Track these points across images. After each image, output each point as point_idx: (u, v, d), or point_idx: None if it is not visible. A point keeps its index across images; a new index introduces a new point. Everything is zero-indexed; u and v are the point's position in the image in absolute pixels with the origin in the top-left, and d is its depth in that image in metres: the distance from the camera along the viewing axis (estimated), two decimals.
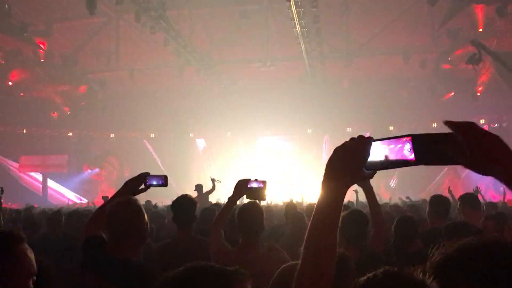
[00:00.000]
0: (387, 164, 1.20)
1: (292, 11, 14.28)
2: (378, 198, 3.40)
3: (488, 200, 8.81)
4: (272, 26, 19.91)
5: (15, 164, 26.80)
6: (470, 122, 1.07)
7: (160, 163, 29.27)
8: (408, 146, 1.18)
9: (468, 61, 9.18)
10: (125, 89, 24.23)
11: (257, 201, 2.86)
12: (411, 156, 1.17)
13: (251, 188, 2.80)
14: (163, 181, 2.57)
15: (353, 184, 1.21)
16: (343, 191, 1.17)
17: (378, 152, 1.20)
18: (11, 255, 1.46)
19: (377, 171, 1.24)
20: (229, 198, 2.92)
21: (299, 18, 14.75)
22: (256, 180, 2.81)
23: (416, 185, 24.35)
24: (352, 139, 1.21)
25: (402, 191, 23.51)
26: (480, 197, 8.36)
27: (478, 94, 19.37)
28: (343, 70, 20.77)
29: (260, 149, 30.72)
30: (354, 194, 10.07)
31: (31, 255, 1.51)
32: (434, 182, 24.93)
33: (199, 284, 1.06)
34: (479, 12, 16.40)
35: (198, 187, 9.78)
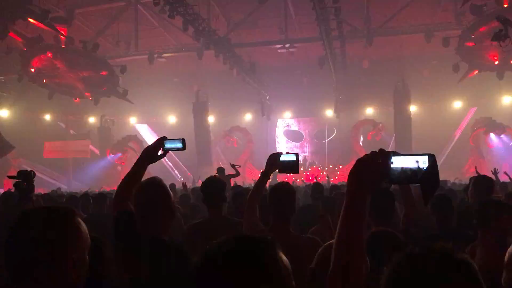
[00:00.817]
0: (403, 179, 1.32)
1: None
2: None
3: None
4: (291, 7, 19.70)
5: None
6: None
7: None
8: (424, 163, 1.30)
9: (494, 38, 8.92)
10: (145, 74, 24.37)
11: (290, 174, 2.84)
12: (421, 176, 1.30)
13: (283, 161, 2.76)
14: (182, 144, 2.54)
15: (375, 190, 1.32)
16: (366, 198, 1.28)
17: (397, 164, 1.32)
18: (71, 226, 1.49)
19: None
20: (262, 173, 2.90)
21: None
22: (288, 153, 2.79)
23: (439, 165, 24.06)
24: (373, 152, 1.32)
25: None
26: (494, 178, 8.29)
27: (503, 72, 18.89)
28: (363, 50, 20.49)
29: (280, 131, 30.74)
30: None
31: (86, 228, 1.55)
32: (457, 162, 24.64)
33: (240, 251, 1.08)
34: None
35: (220, 170, 9.82)
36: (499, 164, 19.56)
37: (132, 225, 2.31)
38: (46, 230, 1.44)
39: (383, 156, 1.30)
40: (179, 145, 2.54)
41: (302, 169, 27.06)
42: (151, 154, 2.51)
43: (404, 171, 1.31)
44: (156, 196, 2.33)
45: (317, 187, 5.92)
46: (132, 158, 27.82)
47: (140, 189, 2.37)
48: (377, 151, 1.33)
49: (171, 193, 2.42)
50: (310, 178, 19.29)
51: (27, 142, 24.97)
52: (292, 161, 2.70)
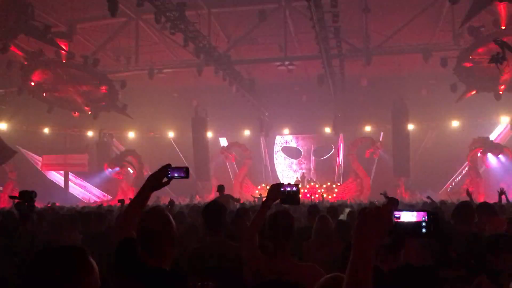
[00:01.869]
0: (404, 233, 1.40)
1: (311, 11, 14.24)
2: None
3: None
4: (291, 25, 19.90)
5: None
6: None
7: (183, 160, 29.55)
8: (423, 219, 1.38)
9: (491, 60, 9.03)
10: (145, 89, 24.49)
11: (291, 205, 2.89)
12: (424, 230, 1.38)
13: (285, 191, 2.80)
14: (185, 173, 2.57)
15: (379, 245, 1.36)
16: (372, 252, 1.32)
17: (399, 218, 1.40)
18: (85, 269, 1.52)
19: None
20: (263, 203, 2.93)
21: (318, 18, 14.70)
22: (289, 184, 2.82)
23: (436, 184, 24.13)
24: (377, 207, 1.37)
25: (422, 189, 23.34)
26: (503, 198, 8.29)
27: (501, 92, 19.03)
28: (362, 69, 20.66)
29: (279, 147, 30.80)
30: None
31: (97, 269, 1.57)
32: (455, 181, 24.69)
33: None
34: (502, 9, 16.12)
35: (220, 188, 9.81)
36: (497, 185, 19.62)
37: (134, 253, 2.32)
38: (62, 273, 1.47)
39: (387, 211, 1.34)
40: (182, 174, 2.57)
41: (300, 185, 27.02)
42: (155, 182, 2.53)
43: (406, 225, 1.38)
44: (158, 225, 2.36)
45: (313, 209, 6.01)
46: (130, 173, 27.83)
47: (142, 218, 2.40)
48: (380, 206, 1.37)
49: (173, 222, 2.44)
50: (308, 195, 19.25)
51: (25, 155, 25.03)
52: (293, 192, 2.74)
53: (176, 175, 2.55)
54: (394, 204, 1.34)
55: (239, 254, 2.92)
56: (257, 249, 2.84)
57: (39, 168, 27.53)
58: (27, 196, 3.72)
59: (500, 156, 23.92)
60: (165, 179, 2.54)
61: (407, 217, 1.39)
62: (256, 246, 2.85)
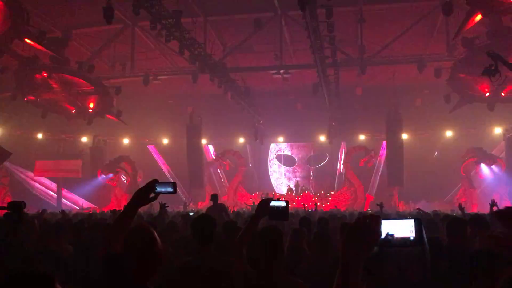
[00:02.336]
0: (394, 243, 1.40)
1: (306, 20, 14.30)
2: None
3: None
4: (286, 34, 19.98)
5: (30, 174, 27.25)
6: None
7: (166, 172, 29.56)
8: (411, 226, 1.39)
9: (484, 73, 9.07)
10: (140, 95, 24.46)
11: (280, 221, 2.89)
12: (412, 236, 1.38)
13: (273, 207, 2.81)
14: (172, 188, 2.57)
15: (368, 256, 1.36)
16: (361, 261, 1.33)
17: (386, 229, 1.40)
18: None
19: None
20: (252, 218, 2.94)
21: (313, 27, 14.77)
22: (278, 200, 2.83)
23: (429, 194, 24.19)
24: (364, 217, 1.38)
25: (416, 199, 23.40)
26: (495, 209, 8.32)
27: (503, 94, 19.05)
28: (357, 78, 20.76)
29: (273, 155, 30.81)
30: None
31: None
32: (448, 192, 24.78)
33: None
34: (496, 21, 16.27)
35: (214, 197, 9.78)
36: (490, 194, 19.71)
37: (118, 269, 2.32)
38: None
39: (375, 222, 1.35)
40: (170, 189, 2.57)
41: (294, 194, 27.04)
42: (142, 197, 2.52)
43: (393, 236, 1.38)
44: (142, 243, 2.37)
45: (304, 221, 6.02)
46: (124, 179, 27.72)
47: (126, 235, 2.41)
48: (367, 217, 1.37)
49: (158, 240, 2.44)
50: (302, 204, 19.23)
51: (18, 160, 24.87)
52: (282, 207, 2.75)
53: (163, 190, 2.55)
54: (379, 218, 1.34)
55: (229, 269, 2.91)
56: (246, 263, 2.84)
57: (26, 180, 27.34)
58: (16, 207, 3.69)
59: (493, 166, 24.04)
60: (152, 194, 2.53)
61: (393, 226, 1.39)
62: (244, 260, 2.84)
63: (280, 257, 2.77)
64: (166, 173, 29.68)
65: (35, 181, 27.65)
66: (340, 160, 28.94)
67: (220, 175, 29.90)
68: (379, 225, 1.36)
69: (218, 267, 3.06)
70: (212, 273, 3.03)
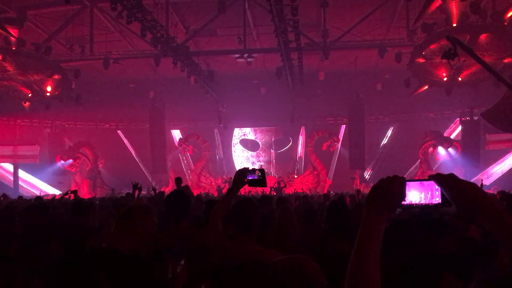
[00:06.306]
0: (417, 205, 1.35)
1: (270, 3, 14.24)
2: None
3: None
4: (250, 18, 19.84)
5: None
6: (449, 176, 1.26)
7: (134, 155, 29.07)
8: (436, 188, 1.33)
9: (443, 56, 9.31)
10: (99, 79, 23.83)
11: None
12: (437, 199, 1.33)
13: (251, 175, 2.82)
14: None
15: (391, 216, 1.35)
16: (383, 222, 1.31)
17: (409, 190, 1.35)
18: None
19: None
20: (229, 189, 2.92)
21: (277, 11, 14.74)
22: (254, 168, 2.84)
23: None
24: (388, 177, 1.35)
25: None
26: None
27: (460, 79, 19.63)
28: (320, 63, 20.92)
29: (237, 139, 30.79)
30: None
31: None
32: (407, 173, 25.44)
33: None
34: (454, 7, 16.72)
35: (178, 181, 9.67)
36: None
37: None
38: None
39: (400, 183, 1.33)
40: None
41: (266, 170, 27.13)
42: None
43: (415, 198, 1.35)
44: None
45: (265, 199, 6.08)
46: (84, 165, 27.04)
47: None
48: (391, 177, 1.35)
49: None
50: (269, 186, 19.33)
51: None
52: (259, 175, 2.75)
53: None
54: (403, 179, 1.32)
55: (205, 238, 2.90)
56: (222, 235, 2.84)
57: None
58: None
59: (449, 149, 24.86)
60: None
61: (416, 187, 1.36)
62: (220, 232, 2.84)
63: (255, 229, 2.79)
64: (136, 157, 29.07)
65: None
66: (302, 144, 29.21)
67: (185, 160, 29.62)
68: (403, 186, 1.33)
69: (195, 236, 3.07)
70: (182, 244, 3.01)
